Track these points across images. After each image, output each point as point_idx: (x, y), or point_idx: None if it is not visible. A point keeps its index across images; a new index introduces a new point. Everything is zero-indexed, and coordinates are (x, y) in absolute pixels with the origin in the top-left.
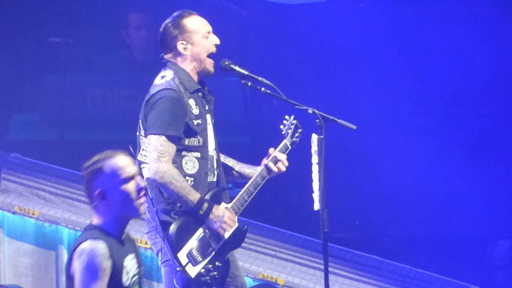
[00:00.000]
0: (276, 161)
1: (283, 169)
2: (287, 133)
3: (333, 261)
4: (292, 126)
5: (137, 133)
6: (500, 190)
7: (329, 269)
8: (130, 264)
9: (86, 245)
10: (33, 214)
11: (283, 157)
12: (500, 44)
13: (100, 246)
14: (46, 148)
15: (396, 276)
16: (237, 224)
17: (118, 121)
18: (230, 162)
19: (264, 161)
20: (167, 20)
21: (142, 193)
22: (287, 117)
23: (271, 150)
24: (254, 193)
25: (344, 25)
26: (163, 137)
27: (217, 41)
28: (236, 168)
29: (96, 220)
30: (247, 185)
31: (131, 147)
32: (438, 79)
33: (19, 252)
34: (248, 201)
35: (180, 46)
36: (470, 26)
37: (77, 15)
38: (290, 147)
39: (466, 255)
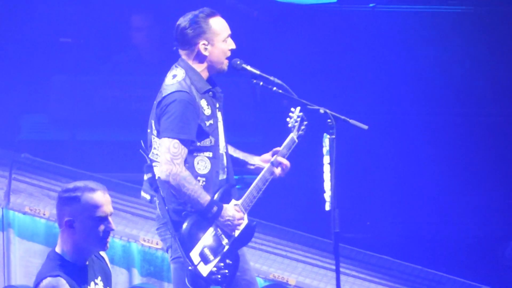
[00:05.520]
0: (278, 164)
1: (283, 174)
2: (294, 126)
3: (344, 261)
4: (299, 119)
5: (148, 130)
6: None
7: (340, 269)
8: None
9: (46, 282)
10: (43, 214)
11: (285, 161)
12: None
13: (60, 283)
14: (56, 148)
15: (406, 276)
16: (246, 221)
17: (128, 121)
18: (240, 155)
19: (266, 156)
20: (190, 16)
21: (111, 235)
22: (293, 109)
23: (276, 149)
24: (263, 188)
25: (355, 25)
26: (176, 141)
27: (234, 46)
28: (251, 162)
29: (59, 246)
30: (255, 181)
31: (143, 142)
32: (447, 79)
33: (29, 253)
34: (257, 197)
35: (202, 46)
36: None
37: (87, 15)
38: (296, 141)
39: (478, 255)
